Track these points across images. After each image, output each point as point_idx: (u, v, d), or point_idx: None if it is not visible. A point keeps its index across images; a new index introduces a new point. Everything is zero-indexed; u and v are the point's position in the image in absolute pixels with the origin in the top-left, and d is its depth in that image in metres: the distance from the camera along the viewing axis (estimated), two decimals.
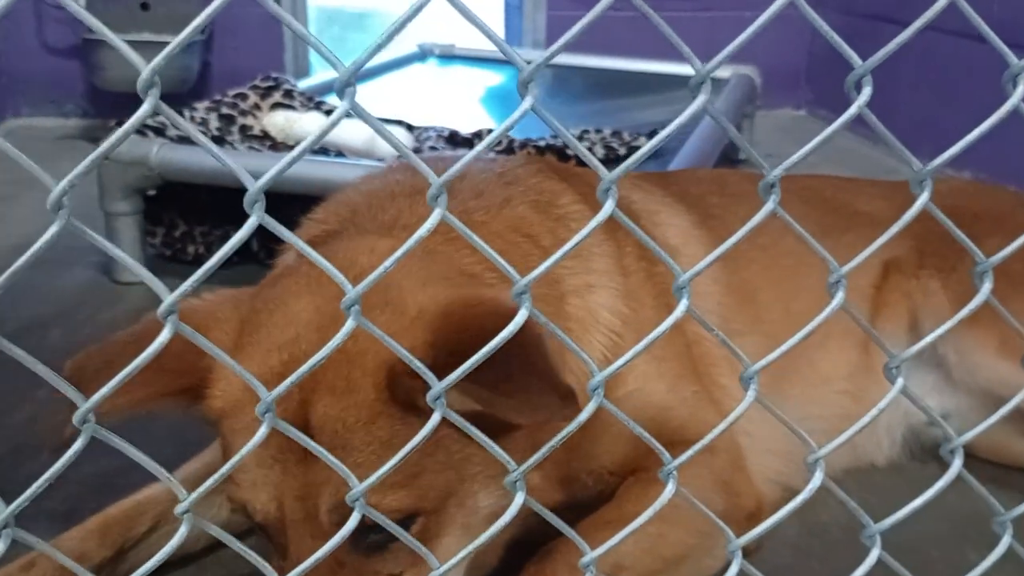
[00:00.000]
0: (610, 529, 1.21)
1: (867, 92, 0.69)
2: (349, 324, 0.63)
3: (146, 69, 0.58)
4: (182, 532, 0.68)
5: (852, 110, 0.69)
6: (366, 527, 0.92)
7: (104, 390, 0.63)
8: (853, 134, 4.27)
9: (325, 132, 0.61)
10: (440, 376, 0.72)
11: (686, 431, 1.35)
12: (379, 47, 0.62)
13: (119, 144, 0.60)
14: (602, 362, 1.29)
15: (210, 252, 2.61)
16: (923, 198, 0.73)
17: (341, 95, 0.62)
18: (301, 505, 1.00)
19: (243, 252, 2.64)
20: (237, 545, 0.73)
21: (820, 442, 1.50)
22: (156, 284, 0.63)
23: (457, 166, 0.65)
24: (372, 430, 0.98)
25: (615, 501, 1.30)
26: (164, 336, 0.62)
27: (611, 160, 2.76)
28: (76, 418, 0.63)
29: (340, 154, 2.55)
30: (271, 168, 0.59)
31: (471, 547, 0.78)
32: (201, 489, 0.67)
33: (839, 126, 0.71)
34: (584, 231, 0.68)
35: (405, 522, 0.98)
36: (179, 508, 0.67)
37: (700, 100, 0.66)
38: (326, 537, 0.90)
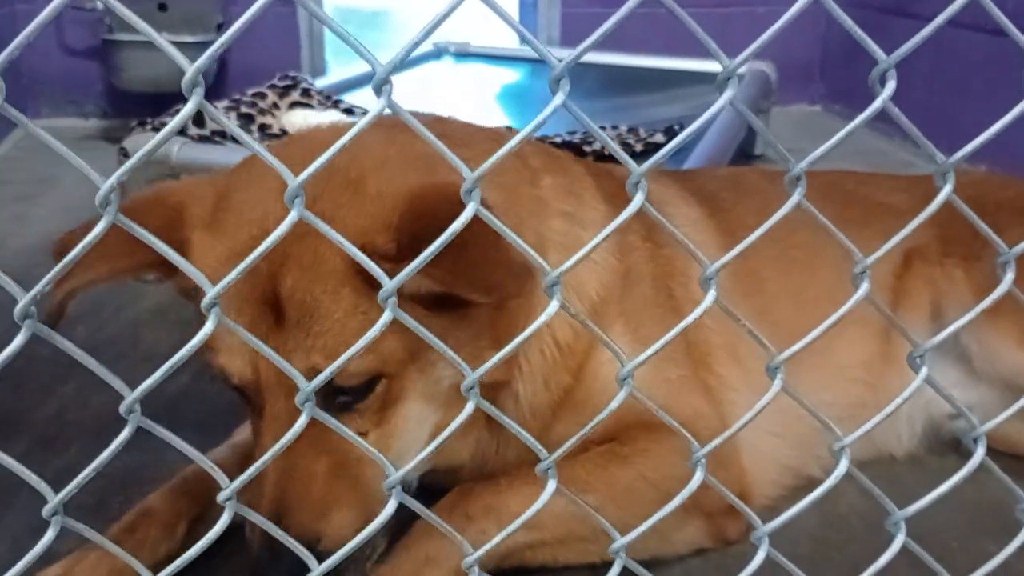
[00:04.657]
0: (586, 493, 1.24)
1: (891, 86, 0.70)
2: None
3: (191, 69, 0.60)
4: (224, 520, 0.70)
5: (876, 104, 0.70)
6: (334, 390, 1.06)
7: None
8: (868, 128, 4.26)
9: (361, 128, 0.63)
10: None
11: (667, 413, 1.36)
12: (415, 45, 0.63)
13: (163, 143, 0.62)
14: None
15: None
16: (946, 190, 0.74)
17: (379, 93, 0.64)
18: (275, 369, 1.07)
19: None
20: (277, 532, 0.75)
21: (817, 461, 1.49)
22: (188, 267, 0.65)
23: (489, 162, 0.67)
24: (337, 300, 1.06)
25: (571, 462, 1.32)
26: (208, 327, 0.64)
27: None
28: (123, 409, 0.65)
29: None
30: None
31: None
32: (244, 476, 0.68)
33: (863, 120, 0.72)
34: (615, 223, 0.69)
35: (369, 383, 1.09)
36: (222, 495, 0.69)
37: (727, 95, 0.68)
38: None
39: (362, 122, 0.64)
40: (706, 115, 0.69)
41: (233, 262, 1.08)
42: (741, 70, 4.10)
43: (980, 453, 0.85)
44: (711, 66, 3.40)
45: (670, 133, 2.89)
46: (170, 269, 1.16)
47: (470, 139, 1.33)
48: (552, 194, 1.38)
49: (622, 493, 1.30)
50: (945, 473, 1.73)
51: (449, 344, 1.10)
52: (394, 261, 0.98)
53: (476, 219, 0.67)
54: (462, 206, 0.70)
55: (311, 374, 1.04)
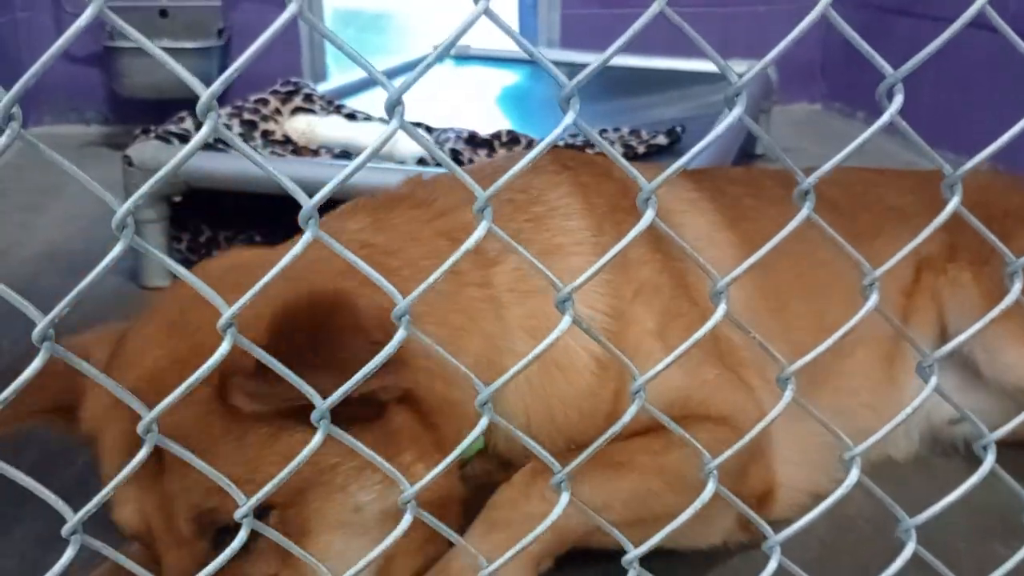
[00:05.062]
0: (619, 471, 1.25)
1: (899, 100, 0.71)
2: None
3: (205, 94, 0.61)
4: (241, 536, 0.70)
5: (884, 118, 0.71)
6: (220, 530, 0.99)
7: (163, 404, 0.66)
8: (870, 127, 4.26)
9: (380, 147, 0.63)
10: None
11: (707, 407, 1.36)
12: (428, 66, 0.64)
13: (181, 165, 0.62)
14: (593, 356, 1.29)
15: None
16: (954, 202, 0.75)
17: (391, 115, 0.64)
18: (162, 516, 1.03)
19: None
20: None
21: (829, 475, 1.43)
22: (217, 299, 0.65)
23: (501, 181, 0.67)
24: (207, 428, 1.00)
25: (630, 444, 1.29)
26: (224, 348, 0.64)
27: (630, 159, 2.77)
28: (140, 428, 0.66)
29: None
30: (306, 174, 0.61)
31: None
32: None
33: (871, 133, 0.72)
34: (624, 241, 0.70)
35: (258, 517, 0.98)
36: (239, 513, 0.69)
37: (736, 112, 0.68)
38: (190, 545, 1.01)
39: (376, 143, 0.65)
40: (715, 132, 0.69)
41: (115, 405, 1.03)
42: (743, 69, 4.11)
43: (990, 460, 0.86)
44: (712, 66, 3.39)
45: (672, 135, 2.89)
46: (66, 414, 1.14)
47: (414, 236, 1.29)
48: (508, 282, 1.30)
49: (674, 475, 1.28)
50: (950, 474, 1.73)
51: (357, 463, 1.00)
52: (264, 380, 0.90)
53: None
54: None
55: (192, 511, 0.98)
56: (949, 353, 0.81)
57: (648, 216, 0.69)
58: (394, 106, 0.64)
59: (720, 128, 0.69)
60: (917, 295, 1.69)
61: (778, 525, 0.95)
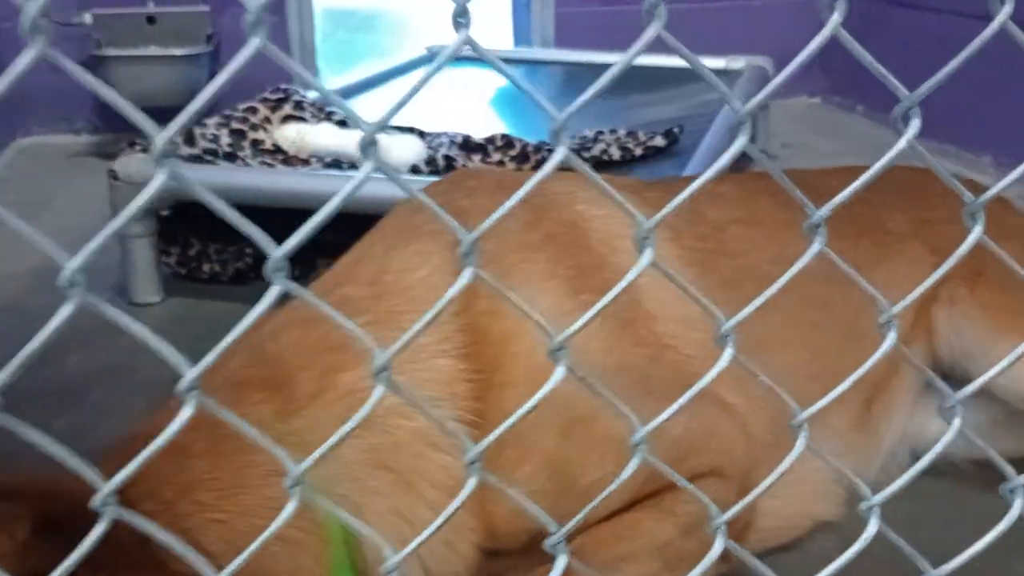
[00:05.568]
0: (622, 568, 1.15)
1: (915, 125, 0.66)
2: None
3: (159, 136, 0.56)
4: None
5: (901, 144, 0.66)
6: None
7: (129, 468, 0.61)
8: (871, 120, 4.21)
9: (357, 187, 0.58)
10: None
11: (690, 465, 1.23)
12: (402, 104, 0.59)
13: (135, 216, 0.57)
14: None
15: (225, 270, 2.59)
16: (976, 232, 0.70)
17: (366, 154, 0.59)
18: None
19: (257, 269, 2.62)
20: None
21: (818, 503, 1.43)
22: (175, 356, 0.60)
23: (490, 220, 0.62)
24: None
25: (626, 525, 1.20)
26: (186, 414, 0.59)
27: (627, 161, 2.73)
28: (96, 502, 0.61)
29: (353, 165, 2.53)
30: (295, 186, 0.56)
31: None
32: (257, 542, 0.64)
33: (891, 158, 0.67)
34: (613, 292, 0.64)
35: None
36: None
37: (741, 141, 0.63)
38: None
39: (355, 180, 0.59)
40: (720, 162, 0.64)
41: None
42: (740, 66, 4.03)
43: (1018, 506, 0.81)
44: (710, 63, 3.33)
45: (670, 136, 2.84)
46: None
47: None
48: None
49: (676, 558, 1.19)
50: (943, 489, 1.67)
51: None
52: None
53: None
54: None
55: None
56: (976, 391, 0.76)
57: (647, 256, 0.63)
58: (368, 146, 0.58)
59: (725, 158, 0.64)
60: (914, 340, 1.56)
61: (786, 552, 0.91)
